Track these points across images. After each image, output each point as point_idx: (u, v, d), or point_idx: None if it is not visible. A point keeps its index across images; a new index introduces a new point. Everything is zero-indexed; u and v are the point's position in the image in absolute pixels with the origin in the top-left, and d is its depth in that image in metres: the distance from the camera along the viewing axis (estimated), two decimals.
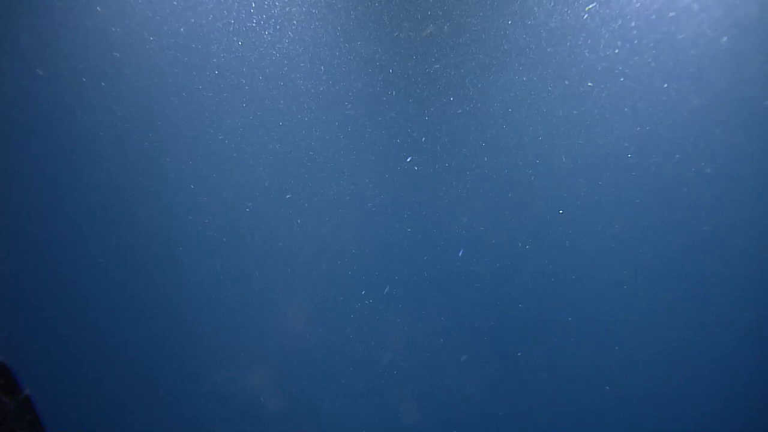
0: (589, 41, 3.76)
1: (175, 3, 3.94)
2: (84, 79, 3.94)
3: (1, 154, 3.99)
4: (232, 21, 4.00)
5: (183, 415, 4.26)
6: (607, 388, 4.01)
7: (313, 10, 4.03)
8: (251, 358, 4.26)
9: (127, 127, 4.08)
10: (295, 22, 4.02)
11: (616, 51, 3.75)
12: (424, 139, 4.09)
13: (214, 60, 4.03)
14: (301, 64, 4.08)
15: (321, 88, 4.13)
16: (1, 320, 4.03)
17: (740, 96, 3.60)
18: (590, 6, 3.41)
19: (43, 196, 4.07)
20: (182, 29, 3.93)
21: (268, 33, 4.03)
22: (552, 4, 3.74)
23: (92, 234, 4.13)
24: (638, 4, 3.57)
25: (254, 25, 4.01)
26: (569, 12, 3.74)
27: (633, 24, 3.68)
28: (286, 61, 4.07)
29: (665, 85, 3.71)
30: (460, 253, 3.92)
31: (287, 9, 3.99)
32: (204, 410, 4.26)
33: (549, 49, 3.84)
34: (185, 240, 4.20)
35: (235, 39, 4.01)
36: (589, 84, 3.60)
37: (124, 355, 4.17)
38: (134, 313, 4.18)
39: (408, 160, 3.97)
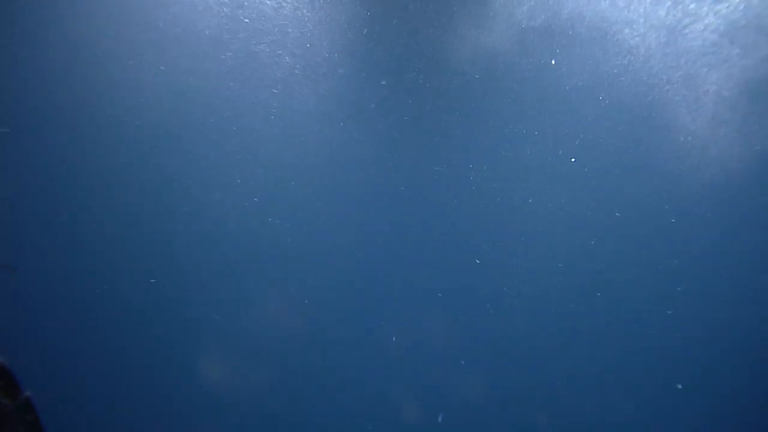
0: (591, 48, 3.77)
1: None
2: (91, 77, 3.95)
3: (2, 153, 4.00)
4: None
5: (184, 416, 4.26)
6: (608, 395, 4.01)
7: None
8: (252, 359, 4.26)
9: (128, 126, 4.09)
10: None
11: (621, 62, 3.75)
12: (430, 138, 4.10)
13: (221, 58, 4.04)
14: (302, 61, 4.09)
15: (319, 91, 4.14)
16: (1, 321, 4.03)
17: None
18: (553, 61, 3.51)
19: (43, 196, 4.07)
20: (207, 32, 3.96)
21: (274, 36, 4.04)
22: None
23: (92, 234, 4.13)
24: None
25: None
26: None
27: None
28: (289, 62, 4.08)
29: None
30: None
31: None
32: (205, 411, 4.27)
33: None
34: (186, 241, 4.20)
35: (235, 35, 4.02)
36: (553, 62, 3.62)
37: (125, 355, 4.17)
38: (135, 313, 4.18)
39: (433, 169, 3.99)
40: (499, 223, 4.05)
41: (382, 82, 4.00)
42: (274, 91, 4.09)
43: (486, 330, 4.15)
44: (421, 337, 4.21)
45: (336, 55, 4.05)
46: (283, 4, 4.00)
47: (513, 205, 4.03)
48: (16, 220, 4.05)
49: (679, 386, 3.80)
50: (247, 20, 4.00)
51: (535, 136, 3.92)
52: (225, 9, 3.99)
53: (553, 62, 3.63)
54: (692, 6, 3.49)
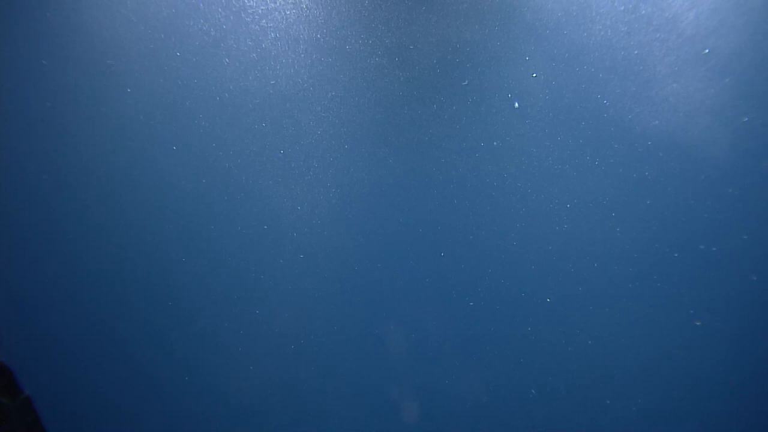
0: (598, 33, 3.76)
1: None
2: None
3: (2, 152, 4.00)
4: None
5: (184, 416, 4.25)
6: (608, 401, 3.99)
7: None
8: (252, 359, 4.26)
9: (129, 126, 4.08)
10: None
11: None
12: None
13: (221, 57, 4.04)
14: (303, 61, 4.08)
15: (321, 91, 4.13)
16: (1, 320, 4.03)
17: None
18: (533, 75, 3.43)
19: (43, 196, 4.07)
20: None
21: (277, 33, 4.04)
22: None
23: (93, 234, 4.13)
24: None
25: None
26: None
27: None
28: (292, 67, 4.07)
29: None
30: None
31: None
32: (205, 411, 4.26)
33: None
34: (186, 240, 4.19)
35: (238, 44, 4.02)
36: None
37: (125, 355, 4.17)
38: (135, 313, 4.17)
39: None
40: (505, 217, 4.04)
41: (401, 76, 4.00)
42: (272, 82, 4.09)
43: (494, 330, 4.13)
44: (430, 338, 4.20)
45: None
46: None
47: (519, 196, 4.02)
48: (16, 218, 4.05)
49: (698, 323, 3.65)
50: (249, 19, 4.00)
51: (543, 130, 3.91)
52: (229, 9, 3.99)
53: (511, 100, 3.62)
54: None
